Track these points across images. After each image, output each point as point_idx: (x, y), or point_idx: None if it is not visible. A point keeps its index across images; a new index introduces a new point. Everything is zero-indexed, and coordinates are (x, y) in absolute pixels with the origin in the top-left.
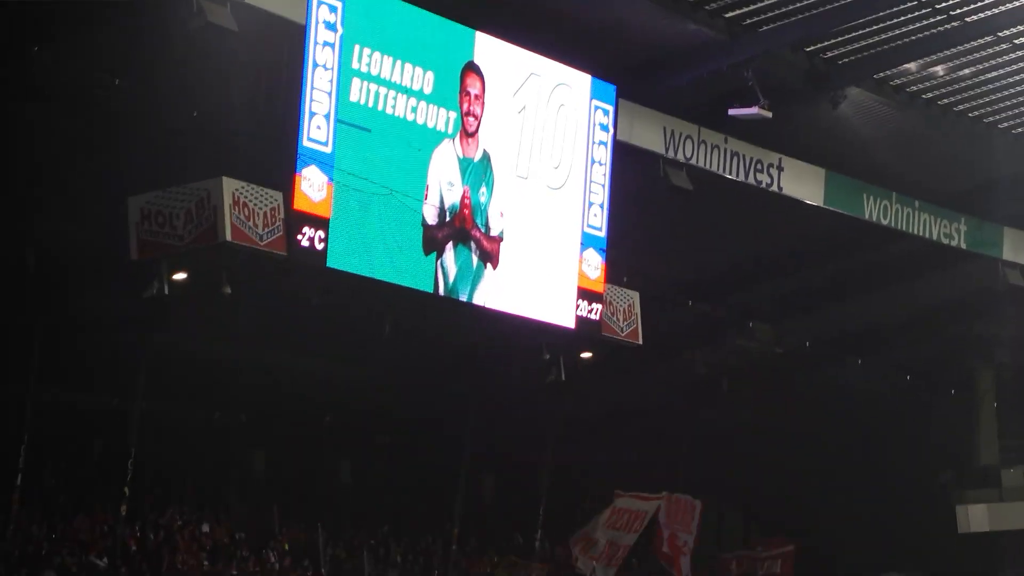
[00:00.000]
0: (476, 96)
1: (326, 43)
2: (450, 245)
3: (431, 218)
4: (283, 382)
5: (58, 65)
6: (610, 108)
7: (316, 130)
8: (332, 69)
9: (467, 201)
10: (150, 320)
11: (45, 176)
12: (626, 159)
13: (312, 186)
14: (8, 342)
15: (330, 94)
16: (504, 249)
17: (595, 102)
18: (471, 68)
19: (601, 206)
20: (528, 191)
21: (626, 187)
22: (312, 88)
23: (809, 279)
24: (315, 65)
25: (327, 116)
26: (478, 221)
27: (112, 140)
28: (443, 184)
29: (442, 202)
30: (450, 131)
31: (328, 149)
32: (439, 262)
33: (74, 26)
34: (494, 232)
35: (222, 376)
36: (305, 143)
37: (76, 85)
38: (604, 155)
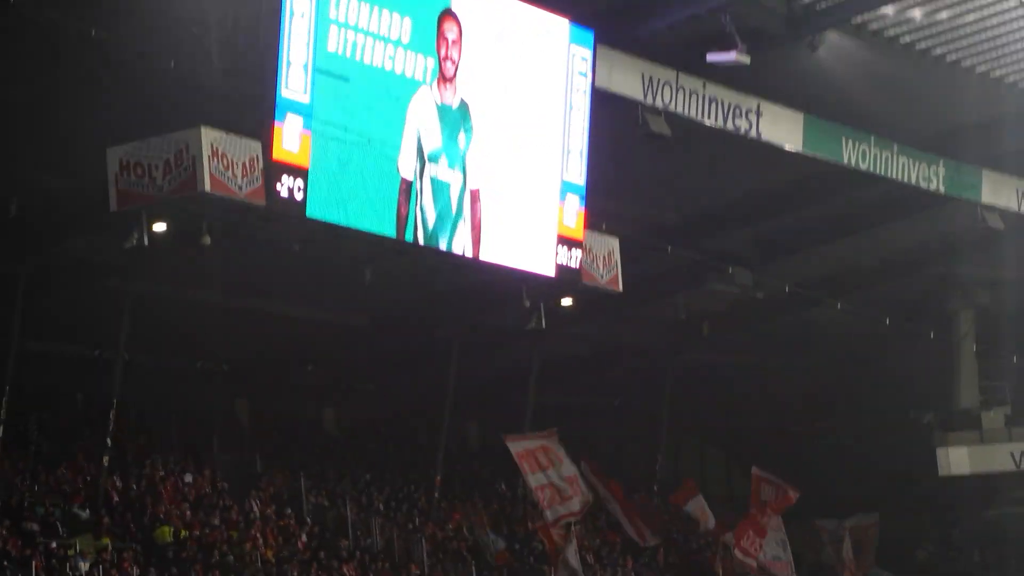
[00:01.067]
0: (453, 41)
1: None
2: (429, 192)
3: (407, 171)
4: (265, 330)
5: (34, 13)
6: (588, 53)
7: (294, 80)
8: (308, 18)
9: (444, 147)
10: (131, 270)
11: (24, 126)
12: (604, 105)
13: (291, 136)
14: None
15: (307, 44)
16: (483, 197)
17: (573, 47)
18: (448, 13)
19: (580, 153)
20: (506, 138)
21: (604, 134)
22: (289, 37)
23: (788, 223)
24: (292, 14)
25: (304, 66)
26: (457, 168)
27: (90, 91)
28: (421, 131)
29: (420, 149)
30: (428, 79)
31: (306, 99)
32: (418, 208)
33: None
34: (472, 183)
35: (204, 325)
36: (283, 93)
37: (53, 34)
38: (582, 102)
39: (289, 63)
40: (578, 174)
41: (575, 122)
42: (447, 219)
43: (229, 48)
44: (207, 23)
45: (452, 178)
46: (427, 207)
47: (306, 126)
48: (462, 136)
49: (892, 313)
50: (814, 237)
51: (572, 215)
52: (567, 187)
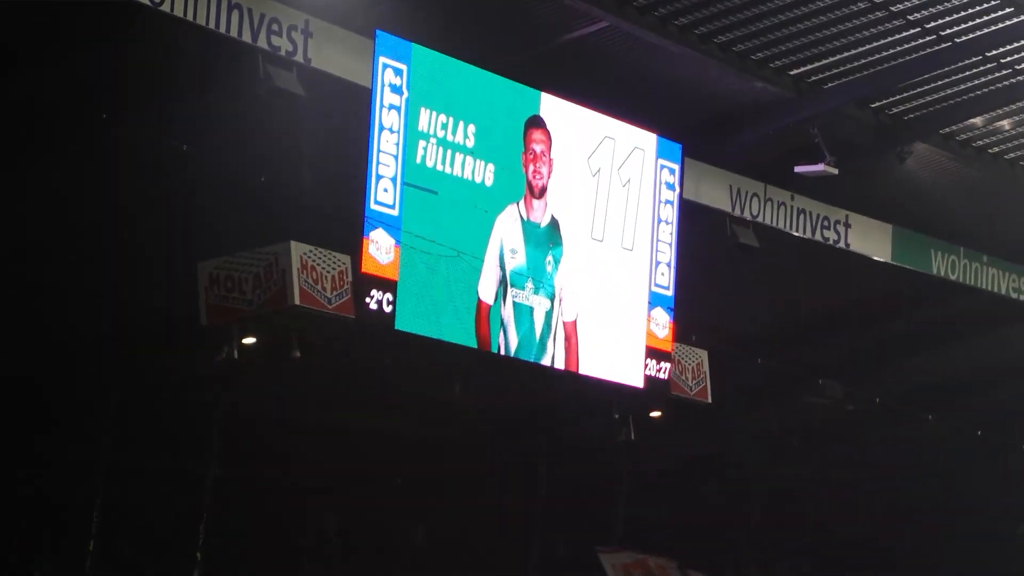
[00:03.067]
0: (542, 153)
1: (392, 106)
2: (511, 316)
3: (487, 293)
4: (354, 444)
5: (128, 132)
6: (676, 167)
7: (383, 193)
8: (398, 132)
9: (529, 269)
10: (222, 384)
11: (116, 243)
12: (692, 217)
13: (380, 249)
14: (83, 407)
15: (396, 157)
16: (569, 313)
17: (661, 161)
18: (536, 126)
19: (668, 265)
20: (596, 255)
21: (692, 245)
22: (378, 151)
23: (878, 335)
24: (381, 128)
25: (393, 179)
26: (542, 292)
27: (181, 206)
28: (505, 250)
29: (503, 269)
30: (515, 195)
31: (395, 212)
32: (500, 331)
33: (143, 93)
34: (559, 303)
35: (294, 438)
36: (372, 206)
37: (145, 152)
38: (670, 214)
39: (379, 176)
40: (666, 286)
41: (663, 234)
42: (531, 340)
43: (318, 162)
44: (296, 138)
45: (537, 301)
46: (509, 330)
47: (395, 239)
48: (550, 256)
49: (983, 425)
50: (905, 349)
51: (661, 327)
52: (655, 299)
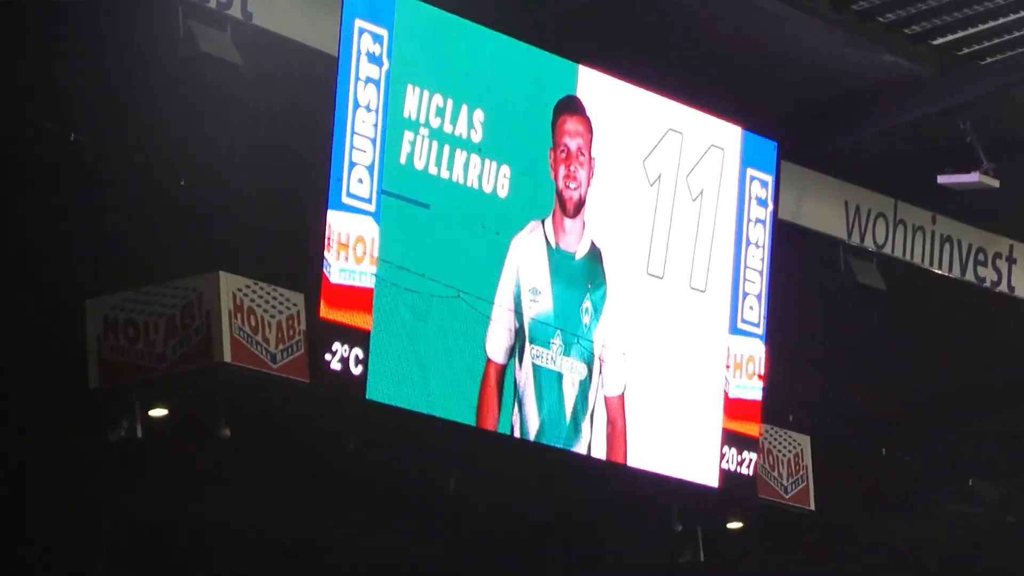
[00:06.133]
0: (578, 151)
1: (369, 79)
2: (530, 384)
3: (496, 351)
4: (302, 558)
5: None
6: (769, 178)
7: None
8: (376, 119)
9: (557, 319)
10: (116, 473)
11: None
12: (791, 247)
13: (347, 284)
14: None
15: (373, 152)
16: (613, 381)
17: (749, 170)
18: (571, 111)
19: (758, 298)
20: (656, 298)
21: (790, 286)
22: (350, 146)
23: None
24: (355, 109)
25: (371, 185)
26: (575, 354)
27: (64, 218)
28: (524, 290)
29: (520, 317)
30: (539, 210)
31: None
32: (515, 405)
33: (8, 60)
34: (610, 386)
35: (217, 548)
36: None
37: (11, 141)
38: (761, 236)
39: (348, 182)
40: (756, 323)
41: (751, 261)
42: (559, 419)
43: (262, 160)
44: (232, 123)
45: (568, 366)
46: (527, 404)
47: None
48: (587, 301)
49: None
50: None
51: (742, 407)
52: (740, 344)
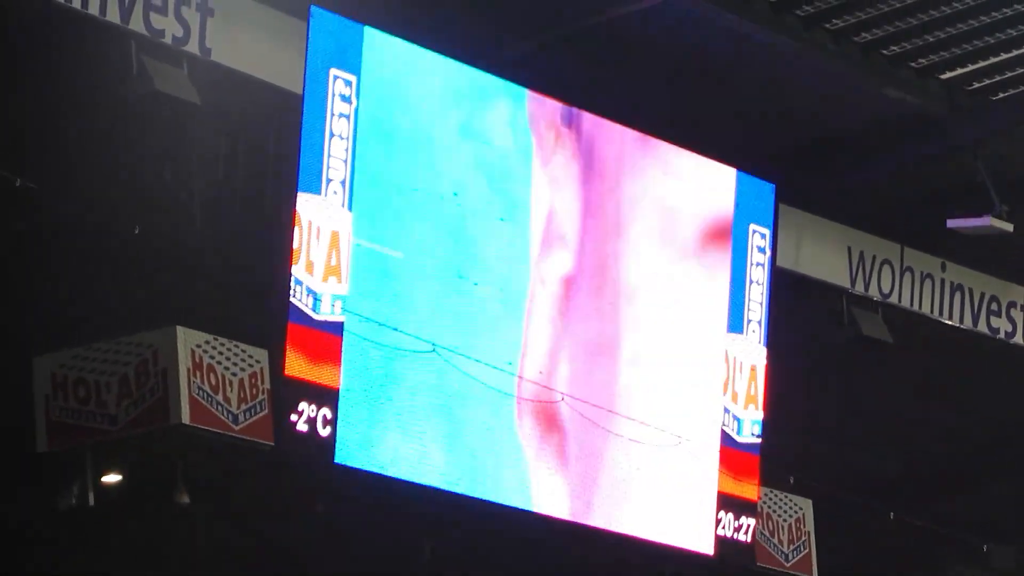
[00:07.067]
0: (560, 196)
1: (338, 118)
2: (517, 444)
3: (483, 410)
4: None
5: None
6: (767, 231)
7: None
8: (345, 162)
9: (545, 367)
10: (66, 544)
11: None
12: (790, 295)
13: (314, 340)
14: None
15: (342, 200)
16: (600, 428)
17: (743, 208)
18: (551, 152)
19: (759, 344)
20: (642, 346)
21: (790, 338)
22: (317, 193)
23: None
24: (321, 156)
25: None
26: (558, 386)
27: (9, 269)
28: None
29: (501, 375)
30: (523, 257)
31: (339, 283)
32: (502, 470)
33: None
34: (590, 413)
35: None
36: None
37: None
38: (761, 276)
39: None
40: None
41: (751, 315)
42: (549, 469)
43: (222, 206)
44: (189, 166)
45: (556, 406)
46: (514, 464)
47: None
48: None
49: None
50: None
51: (740, 460)
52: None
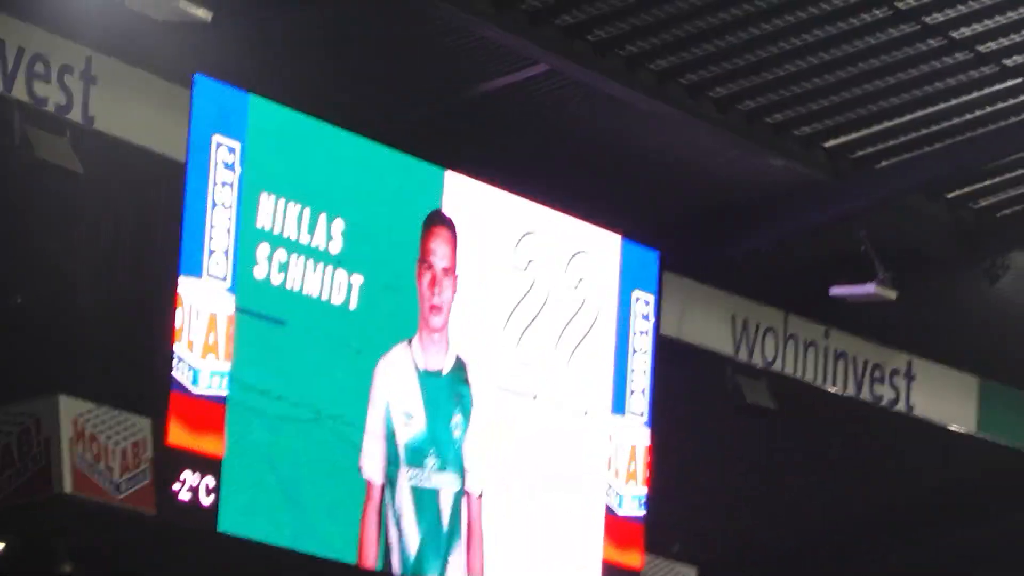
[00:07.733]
0: (445, 270)
1: (221, 187)
2: (409, 503)
3: (373, 471)
4: None
5: None
6: (651, 298)
7: None
8: (228, 229)
9: (431, 439)
10: None
11: None
12: (674, 363)
13: (196, 409)
14: None
15: (225, 269)
16: (488, 506)
17: (627, 277)
18: (438, 223)
19: (642, 415)
20: (524, 412)
21: (674, 407)
22: (200, 262)
23: (957, 545)
24: (203, 224)
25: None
26: (449, 468)
27: None
28: (393, 411)
29: (392, 437)
30: (404, 329)
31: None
32: (392, 526)
33: None
34: (471, 486)
35: None
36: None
37: None
38: (646, 344)
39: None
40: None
41: (634, 385)
42: (438, 540)
43: (106, 275)
44: (72, 235)
45: (442, 481)
46: (406, 526)
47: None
48: (457, 417)
49: None
50: (996, 566)
51: (624, 529)
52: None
